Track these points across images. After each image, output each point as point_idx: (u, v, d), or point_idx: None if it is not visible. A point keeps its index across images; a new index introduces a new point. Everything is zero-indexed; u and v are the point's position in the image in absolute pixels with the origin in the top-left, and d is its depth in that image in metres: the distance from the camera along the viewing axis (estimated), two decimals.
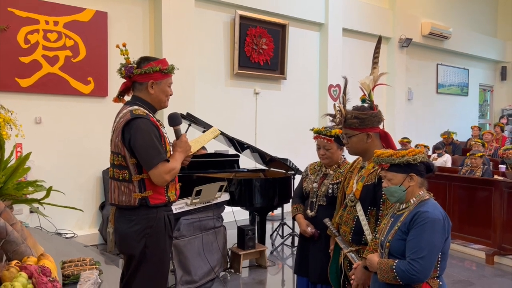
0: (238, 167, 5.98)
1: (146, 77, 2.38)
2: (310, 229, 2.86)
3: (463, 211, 5.93)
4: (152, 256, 2.31)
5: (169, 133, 2.47)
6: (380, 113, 2.46)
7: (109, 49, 6.11)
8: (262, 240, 5.28)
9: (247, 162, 6.33)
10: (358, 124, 2.37)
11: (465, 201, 5.93)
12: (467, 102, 12.99)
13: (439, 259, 1.95)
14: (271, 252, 5.66)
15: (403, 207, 2.05)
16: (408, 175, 2.01)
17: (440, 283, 1.98)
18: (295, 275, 3.09)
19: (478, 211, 5.73)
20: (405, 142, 8.33)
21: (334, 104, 2.51)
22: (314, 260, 2.86)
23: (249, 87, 7.90)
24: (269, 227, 6.55)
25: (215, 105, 7.37)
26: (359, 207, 2.38)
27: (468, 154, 7.10)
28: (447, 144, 9.36)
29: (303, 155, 6.83)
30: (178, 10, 6.62)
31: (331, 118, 2.53)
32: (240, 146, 5.45)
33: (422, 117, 11.40)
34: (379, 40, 2.69)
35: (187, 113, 4.99)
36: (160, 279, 2.39)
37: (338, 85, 8.85)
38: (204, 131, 2.91)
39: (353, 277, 2.29)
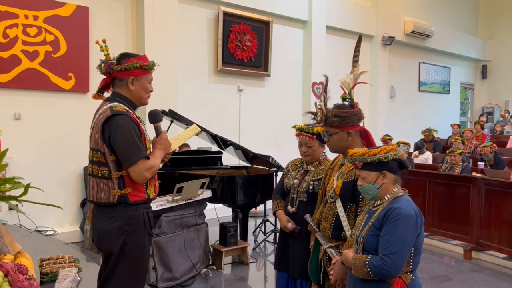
0: (221, 164, 5.98)
1: (126, 74, 2.37)
2: (290, 225, 2.88)
3: (443, 208, 6.03)
4: (131, 253, 2.29)
5: (149, 130, 2.46)
6: (360, 111, 2.48)
7: (91, 44, 6.03)
8: (244, 237, 5.30)
9: (230, 159, 6.33)
10: (339, 122, 2.40)
11: (445, 197, 6.03)
12: (449, 100, 13.20)
13: (412, 254, 1.99)
14: (254, 249, 5.69)
15: (378, 203, 2.09)
16: (381, 173, 2.04)
17: (413, 277, 2.02)
18: (276, 271, 3.12)
19: (457, 208, 5.84)
20: (386, 140, 8.38)
21: (315, 102, 2.53)
22: (294, 255, 2.88)
23: (232, 84, 7.89)
24: (252, 223, 6.57)
25: (198, 102, 7.35)
26: (339, 203, 2.41)
27: (448, 151, 7.21)
28: (428, 141, 9.48)
29: (287, 152, 6.88)
30: (161, 5, 6.57)
31: (312, 116, 2.55)
32: (223, 143, 5.45)
33: (404, 115, 11.55)
34: (359, 39, 2.73)
35: (169, 110, 4.97)
36: (138, 277, 2.37)
37: (321, 83, 8.89)
38: (187, 128, 2.92)
39: (331, 272, 2.32)
